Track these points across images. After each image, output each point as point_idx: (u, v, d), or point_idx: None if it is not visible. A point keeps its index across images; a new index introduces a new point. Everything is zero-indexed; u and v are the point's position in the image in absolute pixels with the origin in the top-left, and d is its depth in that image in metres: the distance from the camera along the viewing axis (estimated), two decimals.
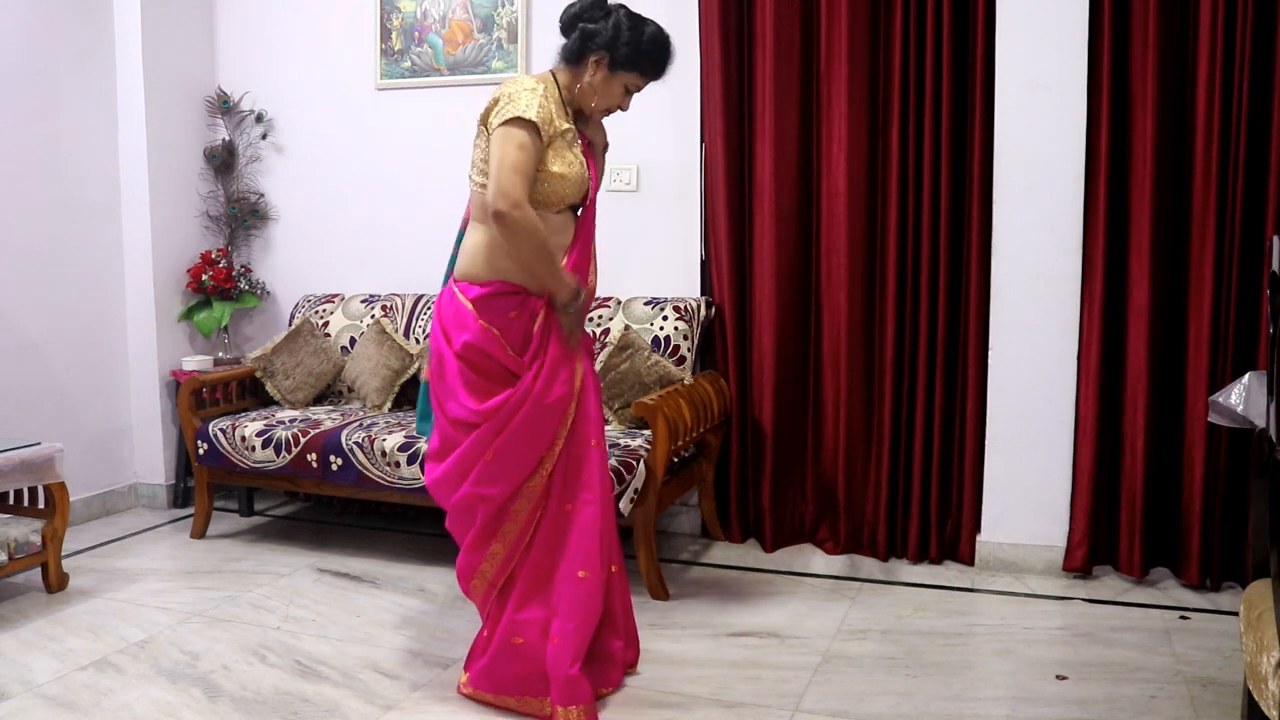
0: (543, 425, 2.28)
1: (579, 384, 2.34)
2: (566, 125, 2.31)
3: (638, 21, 2.35)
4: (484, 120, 2.27)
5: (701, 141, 3.58)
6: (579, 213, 2.41)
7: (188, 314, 4.16)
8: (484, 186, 2.25)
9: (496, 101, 2.24)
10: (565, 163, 2.28)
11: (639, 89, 2.40)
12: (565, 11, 2.38)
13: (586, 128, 2.43)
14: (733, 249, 3.52)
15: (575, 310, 2.31)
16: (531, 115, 2.18)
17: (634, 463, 3.00)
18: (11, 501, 3.18)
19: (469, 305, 2.29)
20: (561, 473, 2.33)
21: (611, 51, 2.30)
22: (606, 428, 2.80)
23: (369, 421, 3.49)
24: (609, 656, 2.43)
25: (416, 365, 3.77)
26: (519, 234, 2.18)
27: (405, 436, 3.29)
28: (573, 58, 2.34)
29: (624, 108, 2.41)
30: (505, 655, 2.33)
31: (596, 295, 2.95)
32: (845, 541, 3.48)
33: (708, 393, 3.38)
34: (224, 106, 4.24)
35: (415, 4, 3.98)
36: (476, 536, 2.34)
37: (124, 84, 3.99)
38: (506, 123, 2.19)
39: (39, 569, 3.15)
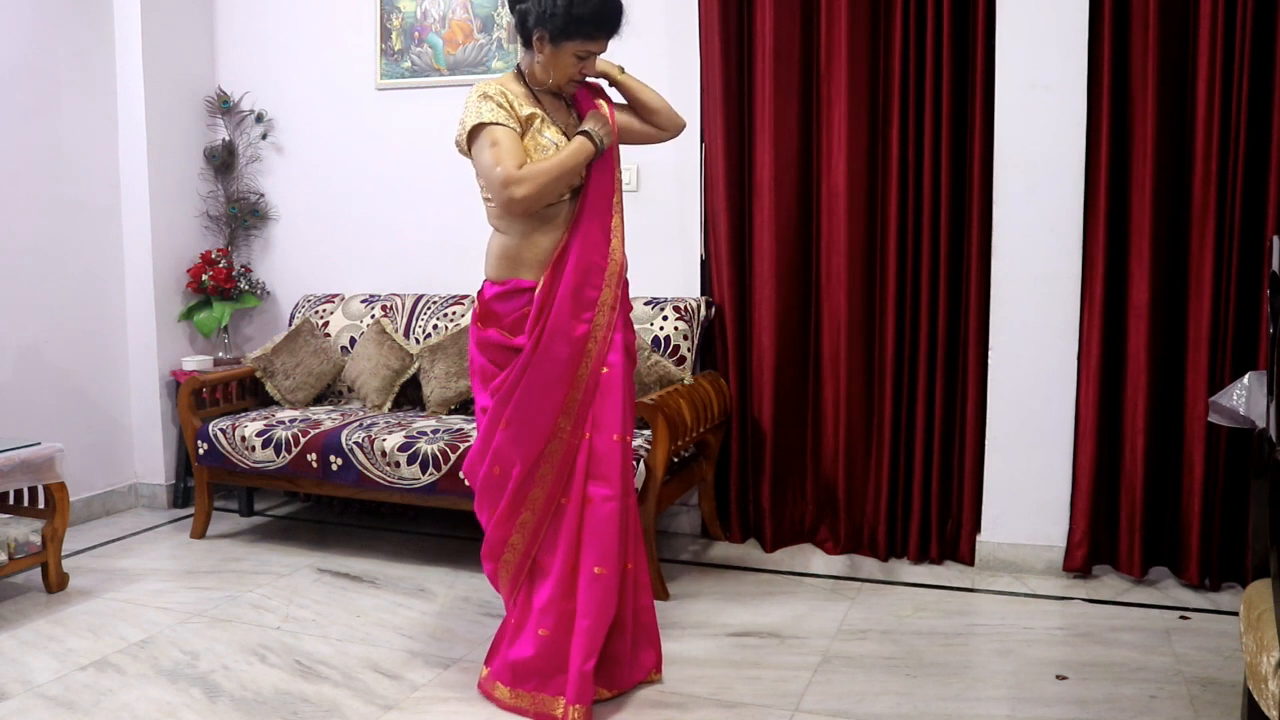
0: (550, 381, 2.30)
1: (593, 357, 2.34)
2: (531, 110, 2.32)
3: None
4: (461, 149, 2.38)
5: (701, 141, 3.58)
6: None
7: (188, 314, 4.16)
8: (488, 199, 2.36)
9: (463, 121, 2.33)
10: (538, 148, 2.30)
11: (595, 53, 2.34)
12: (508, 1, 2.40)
13: (577, 114, 2.44)
14: (733, 249, 3.52)
15: (608, 135, 2.35)
16: (485, 119, 2.26)
17: (634, 463, 3.00)
18: (11, 501, 3.18)
19: (481, 305, 2.40)
20: (585, 459, 2.34)
21: (547, 25, 2.27)
22: None
23: (369, 421, 3.49)
24: (614, 658, 2.42)
25: (416, 365, 3.77)
26: (540, 195, 2.25)
27: (405, 437, 3.29)
28: (525, 43, 2.36)
29: (587, 73, 2.38)
30: (529, 646, 2.34)
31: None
32: (845, 541, 3.48)
33: (708, 393, 3.38)
34: (224, 106, 4.24)
35: (415, 4, 3.98)
36: (506, 507, 2.35)
37: (124, 84, 3.99)
38: (471, 138, 2.31)
39: (39, 569, 3.15)
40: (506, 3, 2.39)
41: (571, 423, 2.33)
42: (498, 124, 2.26)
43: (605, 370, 2.36)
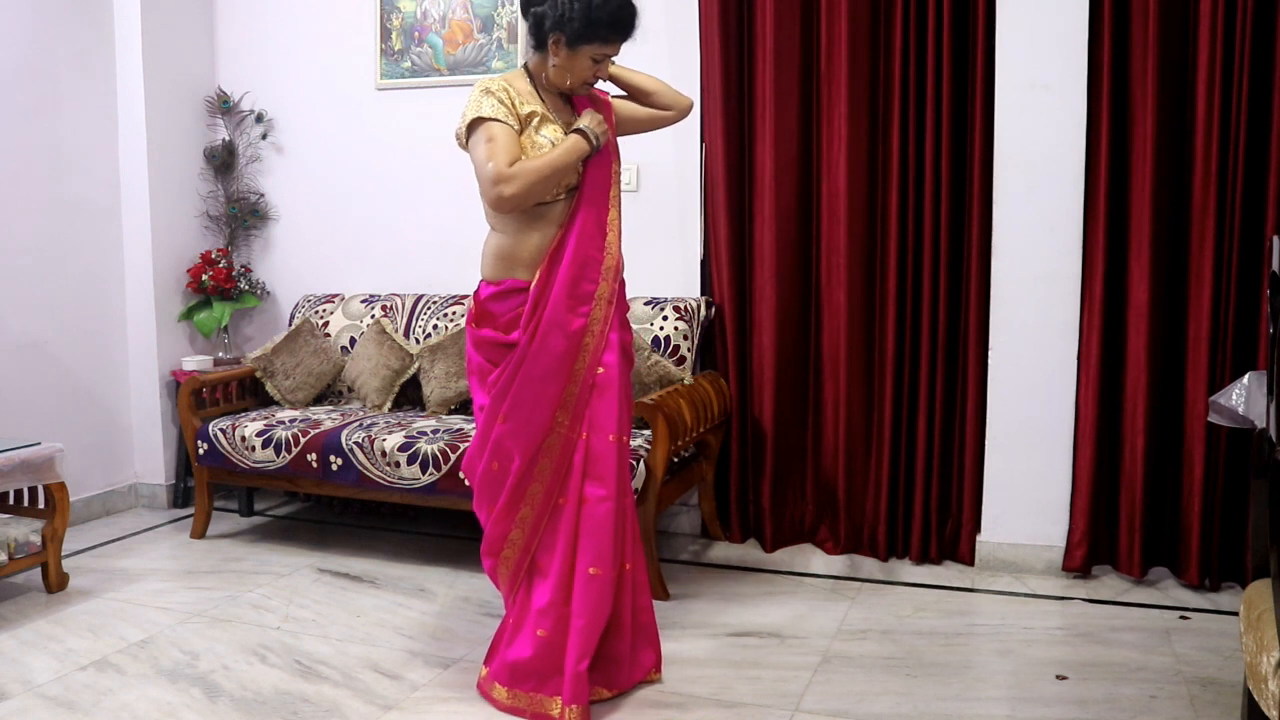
0: (546, 374, 2.30)
1: (590, 352, 2.34)
2: (532, 108, 2.32)
3: None
4: (460, 143, 2.38)
5: (701, 141, 3.58)
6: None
7: (188, 314, 4.16)
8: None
9: (463, 118, 2.33)
10: (534, 145, 2.30)
11: (609, 56, 2.36)
12: (521, 2, 2.40)
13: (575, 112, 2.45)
14: (733, 249, 3.52)
15: (603, 134, 2.34)
16: (485, 114, 2.27)
17: (634, 463, 3.00)
18: (11, 501, 3.18)
19: (476, 305, 2.41)
20: (582, 458, 2.34)
21: (564, 29, 2.28)
22: None
23: (369, 421, 3.49)
24: (613, 659, 2.42)
25: (416, 365, 3.77)
26: (529, 193, 2.25)
27: (405, 437, 3.29)
28: (537, 45, 2.37)
29: (601, 76, 2.40)
30: (527, 646, 2.34)
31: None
32: (845, 541, 3.48)
33: (708, 393, 3.38)
34: (224, 106, 4.24)
35: (415, 4, 3.98)
36: (506, 502, 2.35)
37: (124, 84, 3.99)
38: (469, 132, 2.31)
39: (39, 569, 3.15)
40: (520, 5, 2.40)
41: (569, 418, 2.33)
42: (496, 120, 2.26)
43: (601, 370, 2.36)
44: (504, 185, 2.22)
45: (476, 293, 2.43)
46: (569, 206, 2.36)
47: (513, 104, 2.30)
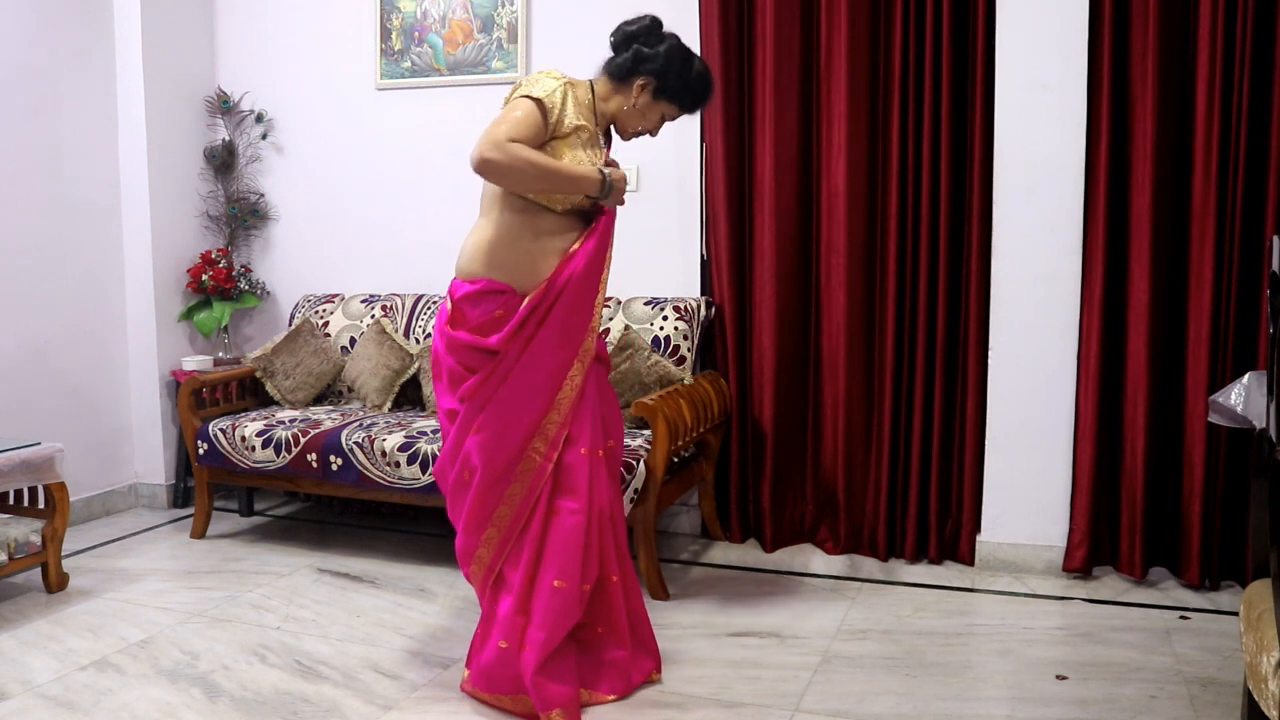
0: (527, 400, 2.28)
1: (576, 382, 2.32)
2: (582, 123, 2.31)
3: (689, 55, 2.42)
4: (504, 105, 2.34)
5: (701, 141, 3.58)
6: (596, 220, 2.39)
7: (188, 314, 4.16)
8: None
9: (517, 87, 2.31)
10: (575, 160, 2.28)
11: (673, 119, 2.47)
12: (620, 29, 2.41)
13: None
14: (733, 249, 3.52)
15: (616, 192, 2.34)
16: (539, 94, 2.24)
17: (634, 463, 3.01)
18: (11, 501, 3.18)
19: (451, 304, 2.36)
20: (553, 474, 2.32)
21: (661, 79, 2.36)
22: None
23: (369, 421, 3.49)
24: (611, 663, 2.42)
25: (416, 365, 3.77)
26: (505, 173, 2.20)
27: (405, 437, 3.29)
28: (619, 75, 2.38)
29: (653, 133, 2.47)
30: (496, 656, 2.33)
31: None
32: (845, 541, 3.48)
33: (708, 393, 3.38)
34: (224, 106, 4.24)
35: (415, 4, 3.98)
36: (470, 517, 2.34)
37: (124, 84, 3.99)
38: (515, 99, 2.27)
39: (39, 569, 3.15)
40: (622, 37, 2.41)
41: (546, 445, 2.31)
42: (540, 104, 2.23)
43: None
44: (493, 150, 2.16)
45: (451, 291, 2.37)
46: (580, 230, 2.35)
47: (567, 109, 2.28)
